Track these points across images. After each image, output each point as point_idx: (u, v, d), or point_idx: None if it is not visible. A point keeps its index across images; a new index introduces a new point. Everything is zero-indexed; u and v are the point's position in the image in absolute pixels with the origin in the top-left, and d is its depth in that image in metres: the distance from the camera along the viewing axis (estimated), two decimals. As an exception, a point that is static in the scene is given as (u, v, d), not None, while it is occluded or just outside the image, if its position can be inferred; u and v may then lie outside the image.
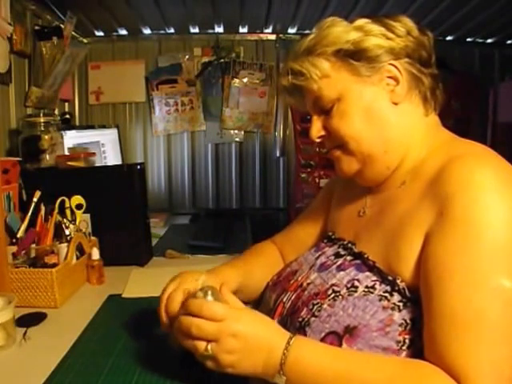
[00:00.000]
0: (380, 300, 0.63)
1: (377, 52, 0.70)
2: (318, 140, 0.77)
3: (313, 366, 0.59)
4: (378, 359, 0.60)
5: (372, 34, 0.70)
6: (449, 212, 0.59)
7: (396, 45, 0.70)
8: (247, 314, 0.64)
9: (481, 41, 2.38)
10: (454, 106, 2.28)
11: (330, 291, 0.69)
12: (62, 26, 1.77)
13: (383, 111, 0.71)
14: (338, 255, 0.77)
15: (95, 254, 1.18)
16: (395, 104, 0.71)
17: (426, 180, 0.66)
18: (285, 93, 0.80)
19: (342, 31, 0.71)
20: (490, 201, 0.57)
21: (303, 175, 2.27)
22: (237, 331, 0.60)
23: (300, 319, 0.69)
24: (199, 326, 0.60)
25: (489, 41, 2.35)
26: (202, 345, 0.60)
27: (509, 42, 2.37)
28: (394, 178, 0.74)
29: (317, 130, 0.76)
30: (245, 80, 2.38)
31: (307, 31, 2.29)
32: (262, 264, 0.96)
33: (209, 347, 0.59)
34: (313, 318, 0.67)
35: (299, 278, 0.78)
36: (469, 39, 2.38)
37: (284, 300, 0.77)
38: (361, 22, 0.72)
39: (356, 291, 0.66)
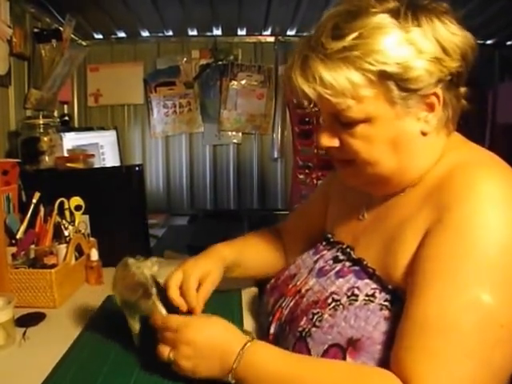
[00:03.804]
0: (381, 309, 0.62)
1: (425, 82, 0.60)
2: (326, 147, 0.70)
3: (265, 369, 0.62)
4: (329, 364, 0.62)
5: (424, 56, 0.59)
6: (446, 220, 0.58)
7: (447, 71, 0.61)
8: (200, 322, 0.70)
9: (481, 42, 2.38)
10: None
11: (329, 300, 0.67)
12: (61, 28, 1.78)
13: (410, 142, 0.65)
14: (336, 260, 0.75)
15: (94, 254, 1.19)
16: (424, 135, 0.65)
17: (428, 187, 0.65)
18: (290, 88, 0.66)
19: (394, 44, 0.59)
20: (487, 215, 0.56)
21: (301, 176, 2.27)
22: (188, 339, 0.66)
23: (300, 329, 0.68)
24: (163, 335, 0.69)
25: (488, 42, 2.35)
26: (166, 351, 0.67)
27: (508, 42, 2.37)
28: (397, 187, 0.70)
29: (328, 139, 0.68)
30: (243, 82, 2.39)
31: (306, 33, 2.31)
32: (259, 243, 1.00)
33: (170, 354, 0.67)
34: (314, 329, 0.66)
35: (297, 283, 0.77)
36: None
37: (282, 305, 0.77)
38: (414, 30, 0.59)
39: (356, 300, 0.64)
